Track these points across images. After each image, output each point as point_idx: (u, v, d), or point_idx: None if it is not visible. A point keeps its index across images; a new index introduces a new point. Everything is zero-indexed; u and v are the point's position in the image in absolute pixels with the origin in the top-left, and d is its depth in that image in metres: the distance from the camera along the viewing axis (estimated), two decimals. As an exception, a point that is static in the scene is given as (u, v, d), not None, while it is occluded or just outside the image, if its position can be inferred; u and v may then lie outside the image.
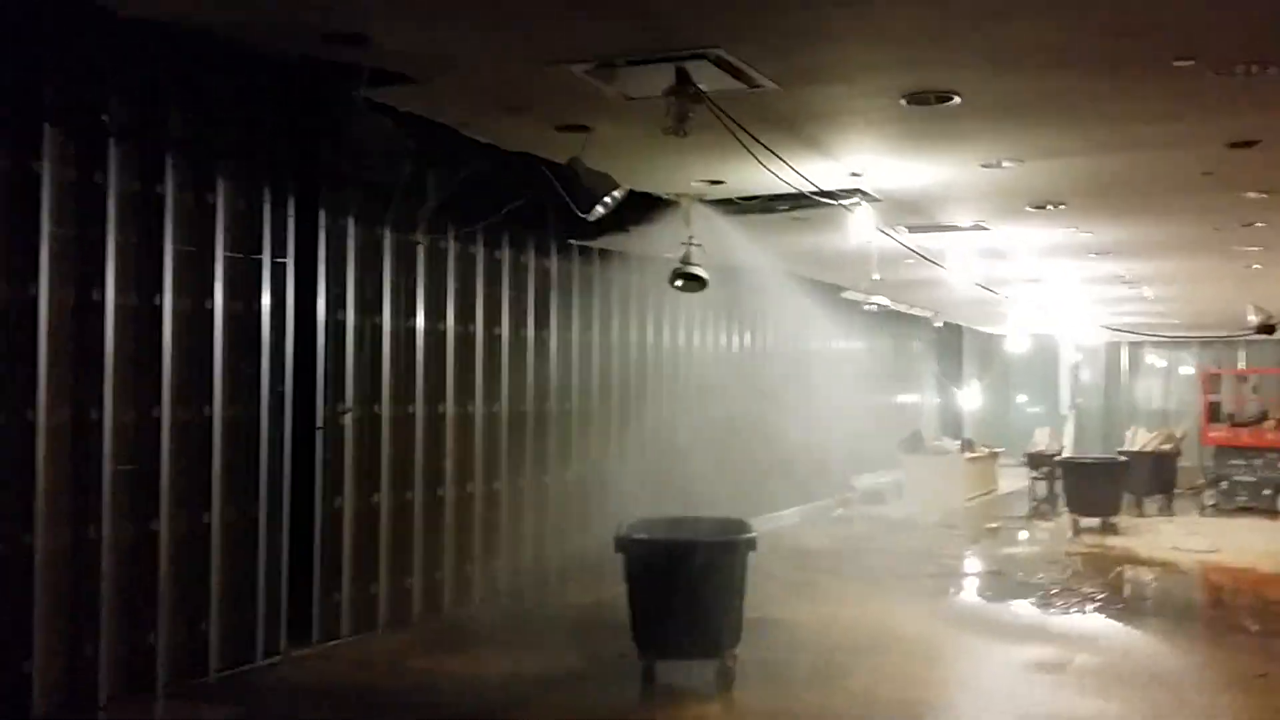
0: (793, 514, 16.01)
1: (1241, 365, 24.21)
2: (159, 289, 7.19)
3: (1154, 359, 26.70)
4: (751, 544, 7.28)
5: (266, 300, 7.94)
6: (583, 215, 6.25)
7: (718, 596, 7.15)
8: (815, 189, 7.56)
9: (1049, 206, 8.70)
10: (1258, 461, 18.03)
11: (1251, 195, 8.05)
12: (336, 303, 8.61)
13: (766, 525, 14.99)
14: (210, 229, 7.54)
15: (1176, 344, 25.93)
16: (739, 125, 5.42)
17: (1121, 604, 10.50)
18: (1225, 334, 16.65)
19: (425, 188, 7.77)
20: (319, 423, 8.38)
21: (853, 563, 12.70)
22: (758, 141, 5.72)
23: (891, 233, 8.71)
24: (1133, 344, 26.36)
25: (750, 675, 7.47)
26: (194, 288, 7.45)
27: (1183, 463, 19.33)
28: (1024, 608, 10.31)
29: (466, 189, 7.99)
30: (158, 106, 7.16)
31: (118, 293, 6.93)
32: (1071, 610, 10.03)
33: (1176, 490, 18.66)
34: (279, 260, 8.06)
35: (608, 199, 6.19)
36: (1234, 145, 6.54)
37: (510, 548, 10.46)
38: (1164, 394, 26.29)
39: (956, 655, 8.32)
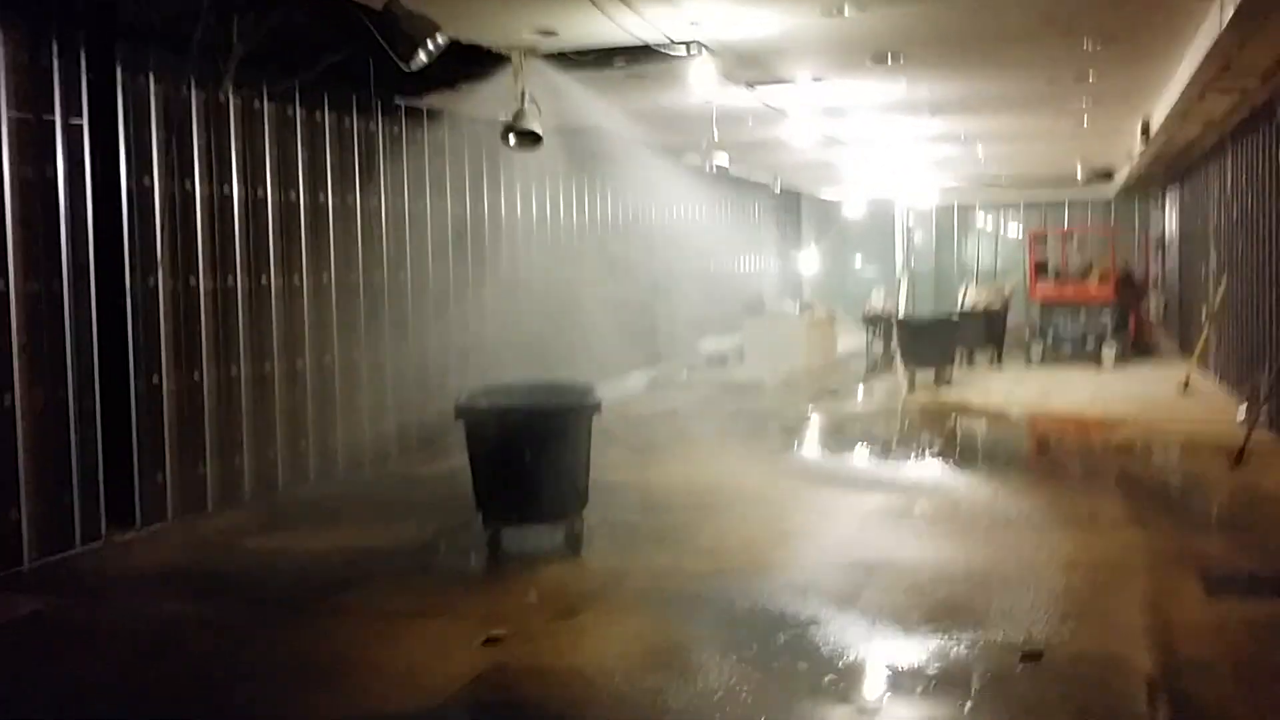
0: (639, 378, 15.98)
1: (1065, 225, 25.01)
2: (-66, 151, 6.52)
3: (983, 221, 27.37)
4: (595, 408, 7.11)
5: (61, 165, 7.30)
6: (404, 64, 5.80)
7: (562, 461, 6.99)
8: (652, 41, 7.24)
9: (889, 60, 8.55)
10: (1082, 315, 18.70)
11: (1088, 45, 8.03)
12: (141, 168, 7.99)
13: (613, 391, 14.90)
14: (-11, 86, 6.85)
15: (1004, 206, 26.62)
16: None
17: (957, 453, 10.78)
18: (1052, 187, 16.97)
19: (231, 38, 7.13)
20: (127, 296, 7.84)
21: (698, 425, 12.73)
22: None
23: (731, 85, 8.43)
24: (963, 207, 26.96)
25: (599, 538, 7.39)
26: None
27: (1012, 319, 19.96)
28: (865, 460, 10.50)
29: (279, 41, 7.41)
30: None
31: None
32: (910, 461, 10.25)
33: (1006, 344, 19.31)
34: (73, 121, 7.40)
35: (430, 44, 5.74)
36: (1077, -14, 6.46)
37: (347, 422, 10.10)
38: (993, 254, 27.04)
39: (802, 508, 8.39)
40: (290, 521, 8.33)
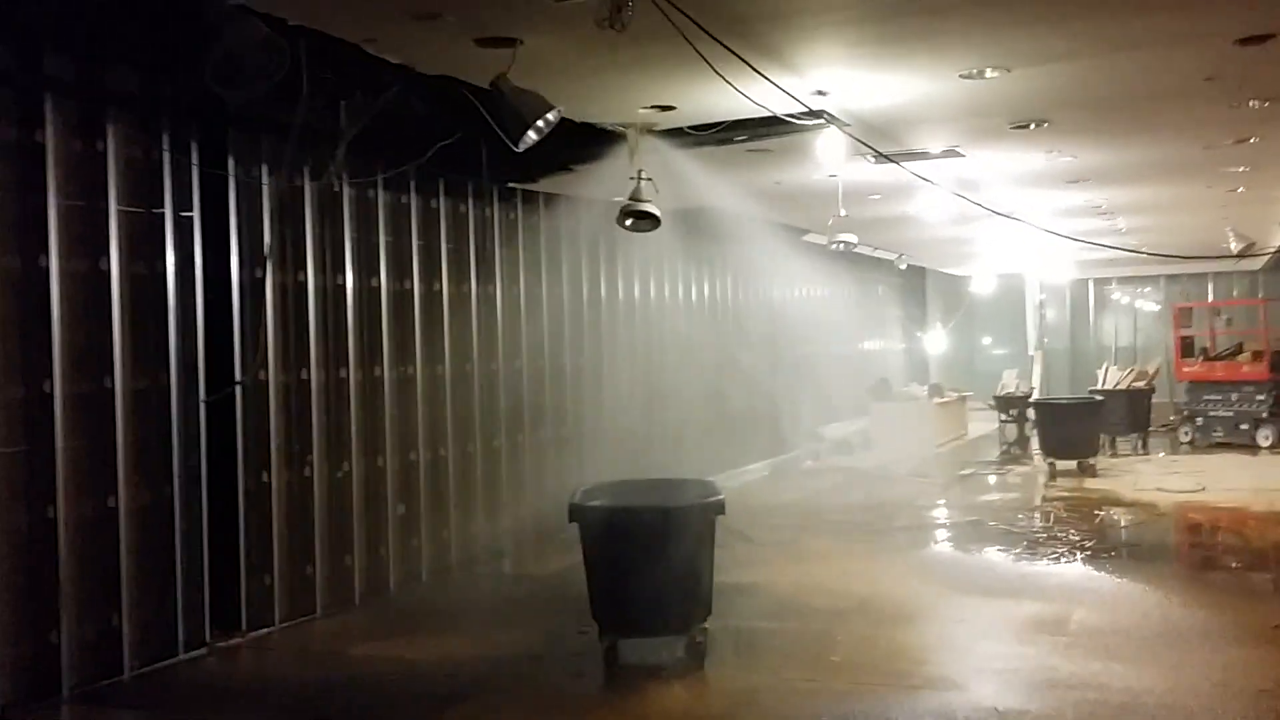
0: (761, 468, 15.41)
1: (1210, 298, 23.79)
2: (44, 249, 6.39)
3: (1120, 295, 26.23)
4: (719, 507, 6.59)
5: (171, 259, 7.14)
6: (513, 145, 5.46)
7: (684, 567, 6.46)
8: (776, 113, 6.80)
9: (1031, 125, 7.96)
10: (1233, 395, 17.56)
11: (1253, 104, 7.35)
12: (252, 260, 7.81)
13: (735, 481, 14.42)
14: (100, 181, 6.72)
15: (1142, 280, 25.49)
16: (689, 19, 4.62)
17: (1112, 551, 9.93)
18: (1205, 257, 15.99)
19: (339, 123, 6.93)
20: (237, 391, 7.62)
21: (825, 517, 12.08)
22: (713, 39, 4.90)
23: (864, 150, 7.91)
24: (1098, 281, 25.89)
25: (723, 649, 6.83)
26: (86, 247, 6.65)
27: (1155, 399, 18.89)
28: (1009, 559, 9.72)
29: (387, 125, 7.17)
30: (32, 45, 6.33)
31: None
32: (1060, 560, 9.45)
33: (1150, 428, 18.25)
34: (184, 214, 7.26)
35: (540, 123, 5.40)
36: (1244, 41, 5.82)
37: (460, 518, 9.75)
38: (1131, 330, 25.84)
39: (945, 616, 7.69)
40: (400, 627, 7.94)
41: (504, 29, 5.21)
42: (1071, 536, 10.45)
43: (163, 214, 7.10)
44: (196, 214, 7.32)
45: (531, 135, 5.47)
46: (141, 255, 6.98)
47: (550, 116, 5.43)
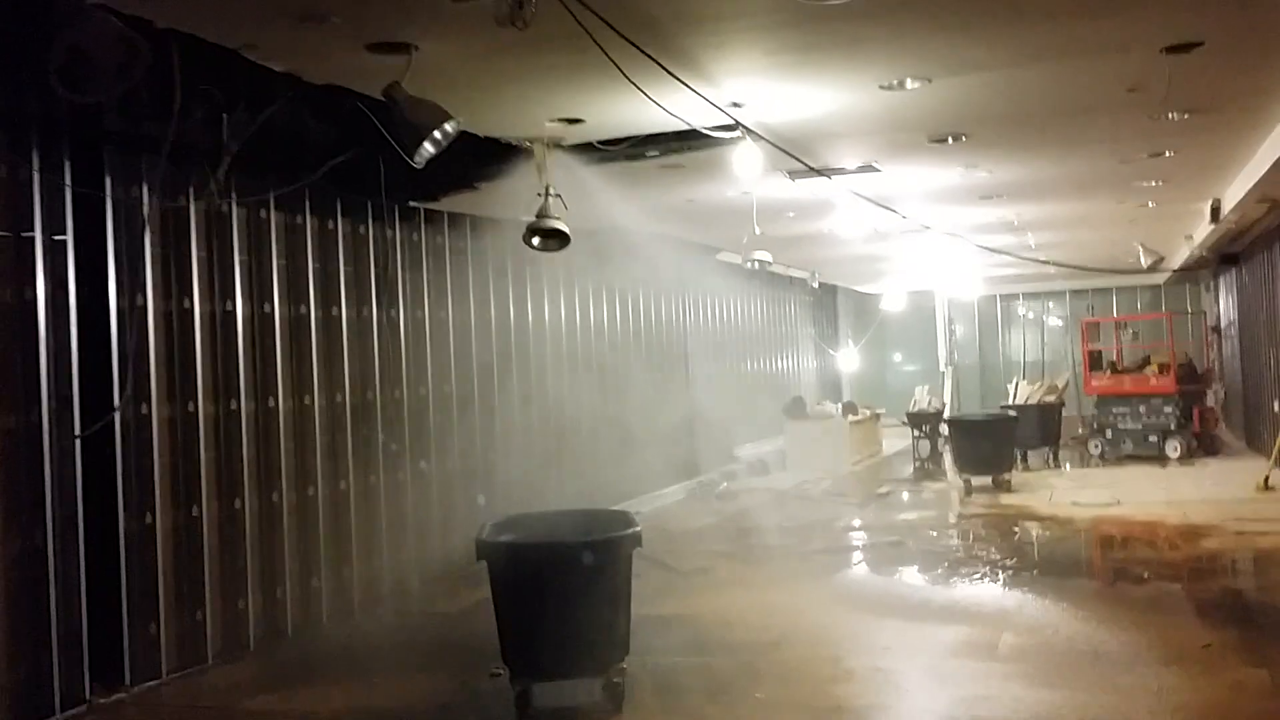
0: (677, 491, 15.11)
1: (1115, 312, 24.11)
2: (-108, 276, 5.84)
3: (1027, 311, 26.52)
4: (636, 540, 6.24)
5: (42, 286, 6.61)
6: (409, 159, 5.08)
7: (599, 605, 6.10)
8: (690, 124, 6.50)
9: (950, 139, 7.79)
10: (1141, 408, 17.72)
11: (1173, 116, 7.25)
12: (133, 285, 7.29)
13: (650, 505, 14.11)
14: (-39, 201, 6.20)
15: (1048, 295, 25.79)
16: (597, 16, 4.29)
17: (1033, 570, 9.77)
18: (1119, 270, 16.10)
19: (220, 141, 6.46)
20: (116, 426, 7.09)
21: (743, 542, 11.80)
22: (623, 39, 4.56)
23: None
24: (1005, 297, 26.15)
25: (643, 690, 6.48)
26: (-57, 274, 6.12)
27: (1065, 413, 19.02)
28: (931, 581, 9.52)
29: (277, 141, 6.74)
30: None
31: None
32: (982, 580, 9.26)
33: (1061, 442, 18.35)
34: (56, 238, 6.73)
35: (437, 134, 5.02)
36: (1172, 49, 5.67)
37: (363, 555, 9.26)
38: (1039, 345, 26.12)
39: (869, 645, 7.42)
40: (297, 676, 7.45)
41: (397, 33, 4.83)
42: (991, 555, 10.30)
43: (33, 237, 6.57)
44: (70, 237, 6.80)
45: (428, 148, 5.08)
46: (8, 281, 6.45)
47: (448, 128, 5.05)
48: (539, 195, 6.92)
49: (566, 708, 6.30)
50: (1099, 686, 6.25)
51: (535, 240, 7.06)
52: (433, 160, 5.96)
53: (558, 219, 6.88)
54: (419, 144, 5.01)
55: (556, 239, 7.04)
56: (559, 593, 6.00)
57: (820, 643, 7.47)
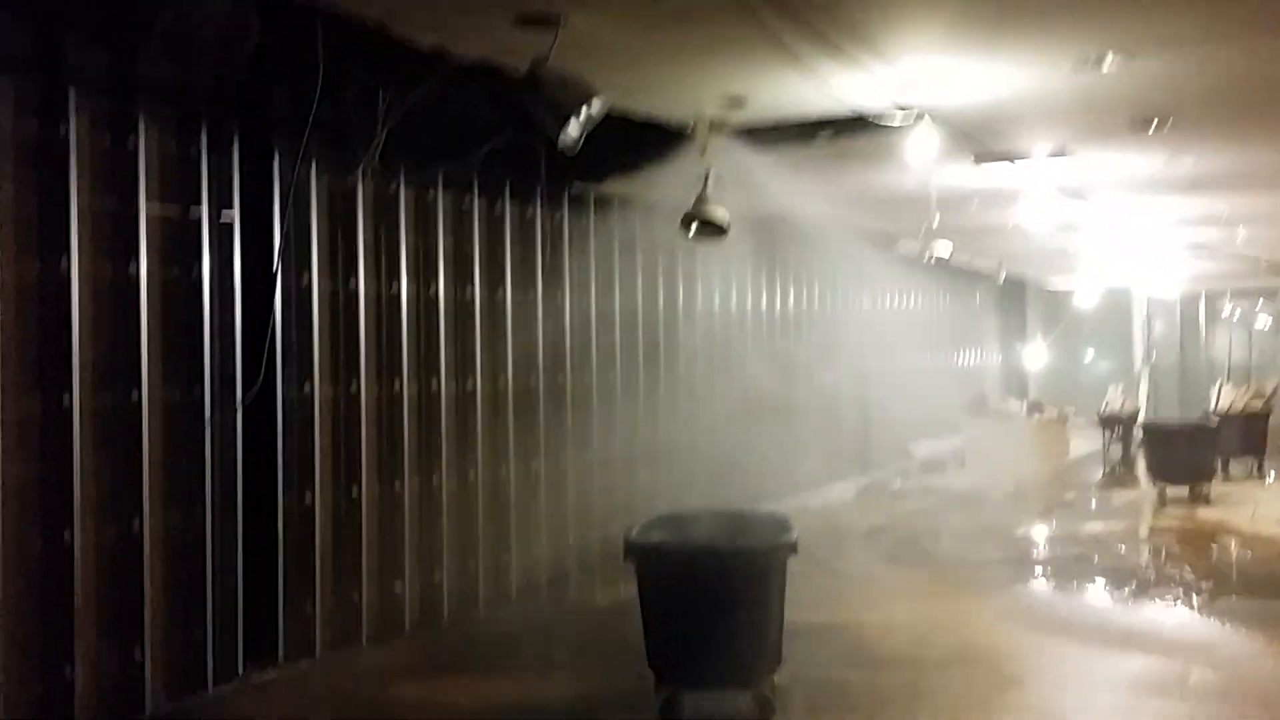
0: (846, 488, 14.62)
1: (1333, 314, 22.39)
2: (65, 251, 5.92)
3: (1234, 309, 24.85)
4: (791, 547, 5.89)
5: (208, 263, 6.66)
6: (553, 139, 4.85)
7: (749, 615, 5.79)
8: (861, 107, 6.08)
9: (1154, 125, 7.12)
10: (1360, 419, 16.32)
11: None
12: (299, 265, 7.31)
13: (816, 502, 13.68)
14: (131, 179, 6.26)
15: (1258, 293, 24.13)
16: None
17: (1231, 595, 8.99)
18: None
19: (377, 124, 6.37)
20: (278, 405, 7.13)
21: (913, 546, 11.29)
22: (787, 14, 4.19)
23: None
24: (1210, 295, 24.57)
25: (795, 704, 6.16)
26: (113, 250, 6.19)
27: (1273, 421, 17.67)
28: (1116, 602, 8.85)
29: (441, 122, 6.62)
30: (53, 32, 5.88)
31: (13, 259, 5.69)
32: (1173, 604, 8.55)
33: (1267, 452, 17.05)
34: (224, 217, 6.77)
35: (582, 114, 4.76)
36: None
37: (522, 543, 9.16)
38: (1246, 346, 24.46)
39: (1044, 671, 6.90)
40: (448, 663, 7.37)
41: (546, 4, 4.58)
42: (1185, 575, 9.52)
43: (200, 216, 6.63)
44: (237, 215, 6.84)
45: (573, 130, 4.84)
46: (174, 259, 6.52)
47: (595, 107, 4.79)
48: (697, 181, 6.61)
49: (714, 718, 6.00)
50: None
51: (693, 229, 6.75)
52: (593, 142, 5.74)
53: (718, 206, 6.55)
54: (564, 124, 4.77)
55: (714, 229, 6.71)
56: (706, 600, 5.72)
57: (989, 666, 6.97)
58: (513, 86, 4.85)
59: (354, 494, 7.71)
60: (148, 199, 6.32)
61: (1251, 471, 16.33)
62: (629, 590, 6.18)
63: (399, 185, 7.97)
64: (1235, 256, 16.77)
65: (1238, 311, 24.83)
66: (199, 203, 6.61)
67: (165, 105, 6.46)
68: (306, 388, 7.36)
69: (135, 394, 6.26)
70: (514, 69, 5.05)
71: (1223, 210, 11.80)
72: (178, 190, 6.52)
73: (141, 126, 6.28)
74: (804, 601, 7.79)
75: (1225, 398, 17.73)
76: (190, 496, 6.55)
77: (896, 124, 6.45)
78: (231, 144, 6.80)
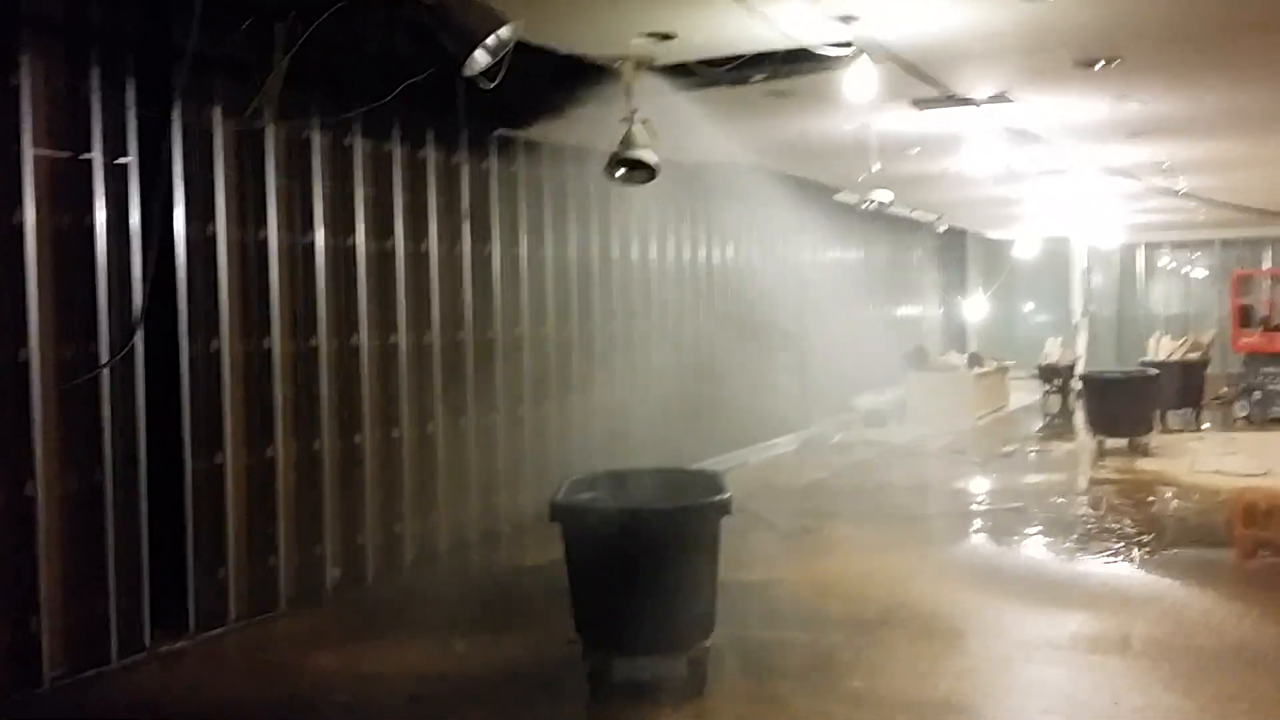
0: (788, 442, 14.43)
1: (1268, 265, 22.50)
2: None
3: (1171, 261, 24.93)
4: (724, 507, 5.62)
5: (102, 211, 6.22)
6: (459, 68, 4.48)
7: (681, 578, 5.52)
8: (797, 41, 5.76)
9: (1099, 64, 6.86)
10: (1295, 369, 16.41)
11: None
12: (202, 214, 6.89)
13: (760, 456, 13.49)
14: (14, 121, 5.80)
15: (1195, 245, 24.21)
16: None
17: (1173, 547, 8.89)
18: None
19: (272, 57, 5.95)
20: (183, 361, 6.73)
21: (852, 500, 11.11)
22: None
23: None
24: (1149, 245, 24.61)
25: (730, 669, 5.94)
26: (-4, 196, 5.75)
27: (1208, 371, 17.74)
28: (1056, 556, 8.73)
29: (358, 59, 6.21)
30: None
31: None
32: (1114, 558, 8.42)
33: (1204, 402, 17.12)
34: (118, 161, 6.33)
35: (490, 40, 4.40)
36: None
37: (450, 502, 8.86)
38: (1182, 298, 24.57)
39: (981, 630, 6.72)
40: (370, 628, 7.06)
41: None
42: (1125, 528, 9.42)
43: (91, 160, 6.18)
44: (133, 160, 6.39)
45: (480, 56, 4.47)
46: (65, 206, 6.08)
47: (504, 33, 4.43)
48: (623, 121, 6.26)
49: (645, 684, 5.76)
50: (1247, 695, 5.47)
51: (619, 172, 6.42)
52: (516, 83, 5.39)
53: (644, 148, 6.22)
54: (469, 52, 4.41)
55: (641, 170, 6.38)
56: (635, 563, 5.44)
57: (928, 623, 6.78)
58: (420, 12, 4.47)
59: (268, 454, 7.35)
60: (34, 141, 5.88)
61: (1189, 422, 16.37)
62: (559, 551, 5.91)
63: (312, 129, 7.55)
64: (1175, 208, 16.72)
65: (1175, 263, 24.92)
66: (90, 146, 6.17)
67: (52, 40, 6.01)
68: (214, 343, 6.97)
69: (23, 353, 5.85)
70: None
71: (1164, 158, 11.66)
72: (68, 133, 6.09)
73: (25, 62, 5.82)
74: (740, 559, 7.61)
75: (1163, 349, 17.76)
76: (88, 459, 6.17)
77: (833, 61, 6.13)
78: (125, 83, 6.34)
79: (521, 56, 5.29)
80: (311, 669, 6.30)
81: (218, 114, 6.90)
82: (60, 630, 6.02)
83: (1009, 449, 14.48)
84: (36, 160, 5.91)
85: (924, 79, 6.31)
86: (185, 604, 6.80)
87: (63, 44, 6.08)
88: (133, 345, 6.36)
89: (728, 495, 5.70)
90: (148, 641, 6.46)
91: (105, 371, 6.21)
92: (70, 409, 6.08)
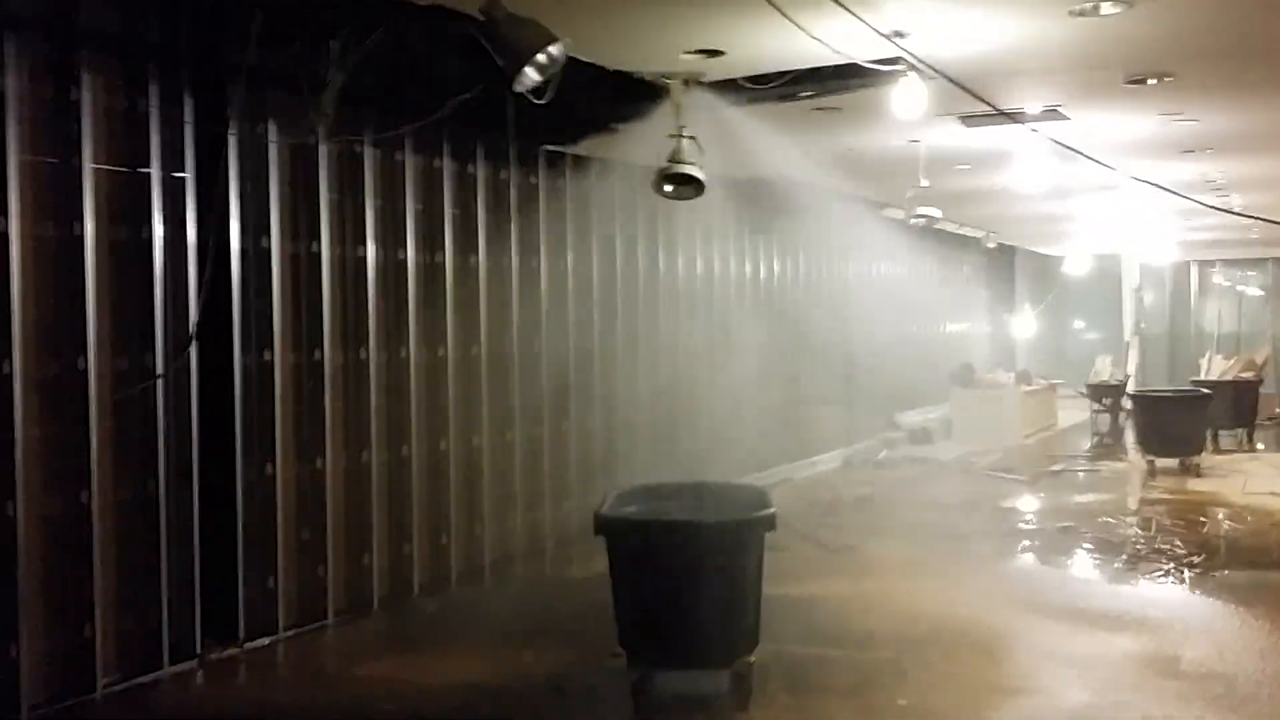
0: (832, 458, 14.40)
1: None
2: (3, 211, 5.60)
3: (1224, 279, 24.59)
4: (769, 522, 5.63)
5: (159, 225, 6.34)
6: (509, 85, 4.54)
7: (725, 592, 5.54)
8: (844, 57, 5.77)
9: (1151, 80, 6.82)
10: (1352, 389, 16.14)
11: None
12: (257, 227, 7.00)
13: (803, 473, 13.46)
14: (74, 135, 5.93)
15: (1248, 263, 23.89)
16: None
17: (1223, 570, 8.75)
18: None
19: (332, 76, 6.04)
20: (236, 373, 6.83)
21: (898, 518, 11.06)
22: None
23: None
24: (1201, 263, 24.29)
25: (773, 684, 5.91)
26: (55, 210, 5.86)
27: (1262, 391, 17.49)
28: (1105, 577, 8.63)
29: (410, 78, 6.29)
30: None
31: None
32: (1165, 580, 8.32)
33: (1257, 422, 16.87)
34: (175, 175, 6.45)
35: (541, 57, 4.45)
36: None
37: (496, 514, 8.90)
38: (1235, 316, 24.21)
39: (1032, 649, 6.67)
40: (416, 639, 7.13)
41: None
42: (1176, 549, 9.29)
43: (149, 174, 6.30)
44: (190, 174, 6.51)
45: (531, 74, 4.52)
46: (122, 220, 6.20)
47: (554, 51, 4.47)
48: (671, 136, 6.30)
49: (688, 697, 5.78)
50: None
51: (667, 187, 6.45)
52: (565, 100, 5.44)
53: (692, 164, 6.25)
54: (520, 69, 4.46)
55: (690, 186, 6.40)
56: (679, 576, 5.46)
57: (974, 643, 6.73)
58: (471, 29, 4.53)
59: (318, 465, 7.43)
60: (93, 156, 6.01)
61: (1241, 442, 16.14)
62: (605, 564, 5.93)
63: (363, 145, 7.65)
64: (1228, 225, 16.51)
65: (1228, 281, 24.59)
66: (148, 160, 6.29)
67: (110, 57, 6.14)
68: (267, 355, 7.07)
69: (81, 361, 5.97)
70: (475, 14, 4.73)
71: (1217, 176, 11.53)
72: (126, 147, 6.21)
73: (84, 79, 5.96)
74: (786, 575, 7.59)
75: (1215, 368, 17.55)
76: (143, 468, 6.28)
77: (881, 77, 6.14)
78: (182, 99, 6.46)
79: (570, 73, 5.37)
80: (359, 679, 6.37)
81: (272, 129, 7.01)
82: (113, 637, 6.10)
83: (1057, 467, 14.36)
84: (95, 174, 6.03)
85: (973, 95, 6.30)
86: (236, 613, 6.87)
87: (120, 60, 6.20)
88: (187, 356, 6.47)
89: (772, 510, 5.71)
90: (199, 649, 6.54)
91: (160, 382, 6.31)
92: (125, 419, 6.18)
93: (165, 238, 6.37)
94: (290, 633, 7.09)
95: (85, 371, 5.96)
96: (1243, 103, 7.81)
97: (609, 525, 5.71)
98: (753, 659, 5.79)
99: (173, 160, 6.42)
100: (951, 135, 8.72)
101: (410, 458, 8.12)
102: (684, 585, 5.52)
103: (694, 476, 7.46)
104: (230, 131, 6.68)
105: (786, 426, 12.90)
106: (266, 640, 6.94)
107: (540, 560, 9.16)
